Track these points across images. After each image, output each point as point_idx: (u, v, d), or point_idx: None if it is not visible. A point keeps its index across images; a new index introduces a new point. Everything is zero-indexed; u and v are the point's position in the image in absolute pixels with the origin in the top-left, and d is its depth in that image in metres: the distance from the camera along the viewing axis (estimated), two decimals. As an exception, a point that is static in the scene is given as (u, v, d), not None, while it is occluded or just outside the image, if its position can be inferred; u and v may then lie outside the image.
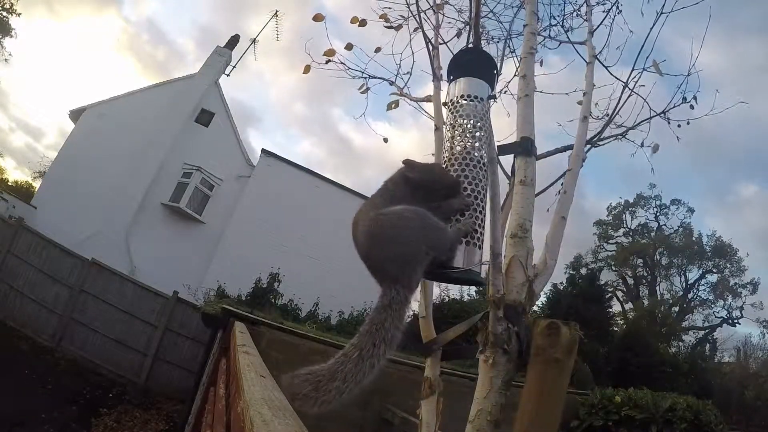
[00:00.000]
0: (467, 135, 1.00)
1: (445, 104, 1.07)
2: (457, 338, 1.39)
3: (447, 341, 1.33)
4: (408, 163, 0.90)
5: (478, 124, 1.00)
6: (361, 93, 1.87)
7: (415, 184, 0.87)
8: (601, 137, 1.57)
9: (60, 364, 8.49)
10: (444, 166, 1.00)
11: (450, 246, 0.85)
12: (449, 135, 1.02)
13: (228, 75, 14.97)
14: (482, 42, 1.48)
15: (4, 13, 15.59)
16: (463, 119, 1.01)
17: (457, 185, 0.93)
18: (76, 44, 39.15)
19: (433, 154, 1.41)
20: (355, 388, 0.71)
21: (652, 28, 1.56)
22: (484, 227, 0.94)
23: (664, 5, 1.56)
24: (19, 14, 16.17)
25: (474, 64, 1.06)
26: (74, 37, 36.80)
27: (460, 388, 2.39)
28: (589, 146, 1.48)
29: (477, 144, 0.99)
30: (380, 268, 0.80)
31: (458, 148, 0.99)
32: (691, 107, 1.71)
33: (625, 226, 24.85)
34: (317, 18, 1.81)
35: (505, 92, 1.76)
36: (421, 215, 0.80)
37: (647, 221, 24.68)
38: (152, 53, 38.67)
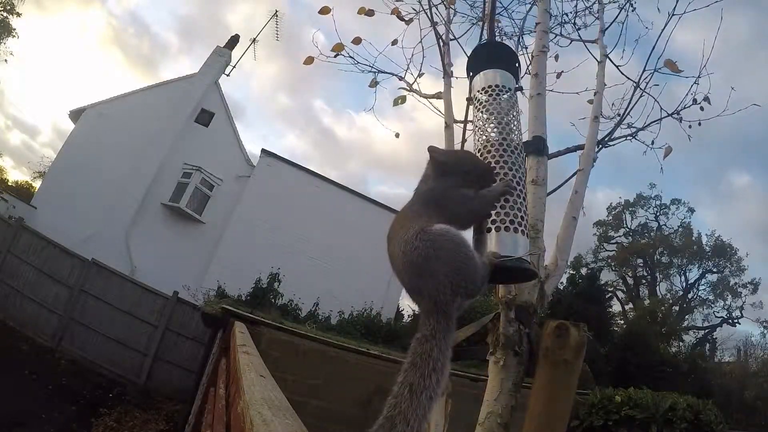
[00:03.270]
0: (500, 123, 0.97)
1: (468, 99, 1.05)
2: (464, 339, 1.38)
3: (457, 342, 1.31)
4: (433, 149, 0.84)
5: (512, 111, 0.99)
6: (370, 87, 1.87)
7: (445, 168, 0.82)
8: (612, 137, 1.56)
9: (60, 364, 8.46)
10: (479, 153, 0.96)
11: (480, 280, 0.78)
12: (481, 124, 1.00)
13: (228, 75, 14.96)
14: (495, 38, 1.46)
15: (5, 14, 15.55)
16: (494, 108, 0.99)
17: (492, 171, 0.88)
18: (63, 39, 38.95)
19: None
20: (423, 425, 0.66)
21: (663, 29, 1.55)
22: (527, 213, 0.90)
23: (675, 6, 1.55)
24: (19, 14, 16.15)
25: (499, 56, 1.05)
26: (62, 32, 36.61)
27: (459, 387, 2.38)
28: (600, 146, 1.47)
29: (513, 129, 0.97)
30: (417, 292, 0.75)
31: (493, 134, 0.96)
32: (701, 109, 1.69)
33: (625, 226, 24.88)
34: (324, 11, 1.81)
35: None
36: (457, 242, 0.74)
37: (647, 221, 24.73)
38: (138, 46, 38.48)
